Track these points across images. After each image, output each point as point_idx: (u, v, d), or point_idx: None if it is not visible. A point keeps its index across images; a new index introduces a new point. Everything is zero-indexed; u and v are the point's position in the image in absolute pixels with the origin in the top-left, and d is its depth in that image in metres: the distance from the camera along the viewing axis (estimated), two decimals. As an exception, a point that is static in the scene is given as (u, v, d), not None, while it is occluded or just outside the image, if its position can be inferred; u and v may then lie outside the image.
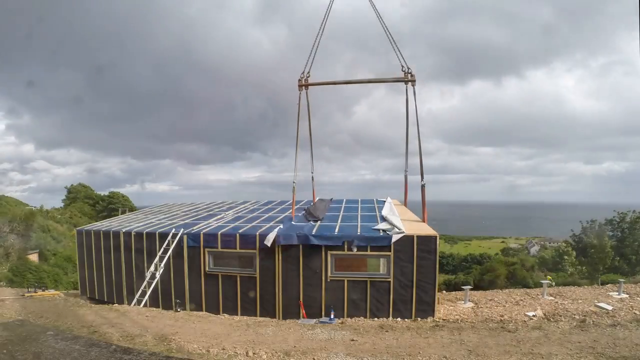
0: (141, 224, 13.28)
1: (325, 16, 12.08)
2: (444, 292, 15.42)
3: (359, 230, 10.02)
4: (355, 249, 9.47)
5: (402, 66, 11.55)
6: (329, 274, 9.60)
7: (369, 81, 13.38)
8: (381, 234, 9.59)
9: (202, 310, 10.42)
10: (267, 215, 13.28)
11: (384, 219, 11.36)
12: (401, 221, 10.45)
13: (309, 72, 11.99)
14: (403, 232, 9.46)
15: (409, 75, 11.54)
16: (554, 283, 15.93)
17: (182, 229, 11.17)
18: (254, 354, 6.05)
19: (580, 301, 11.40)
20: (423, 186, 11.26)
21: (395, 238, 9.39)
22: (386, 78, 12.55)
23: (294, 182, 11.83)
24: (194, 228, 11.38)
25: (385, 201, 14.79)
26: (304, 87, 12.06)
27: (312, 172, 13.66)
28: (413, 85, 11.54)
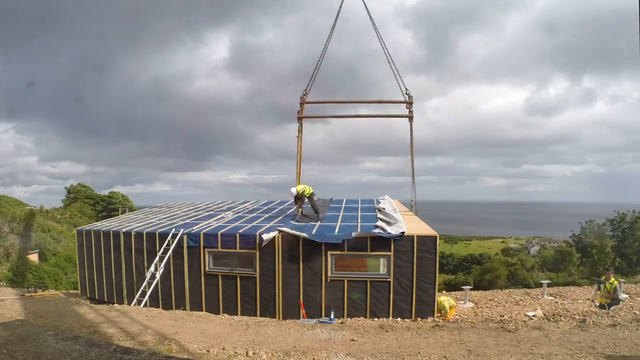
0: (141, 224, 13.27)
1: (325, 46, 13.04)
2: (444, 292, 15.43)
3: (359, 230, 10.00)
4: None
5: (405, 89, 12.62)
6: (329, 274, 9.59)
7: (371, 102, 14.53)
8: (382, 233, 9.57)
9: (202, 310, 10.43)
10: (267, 215, 13.28)
11: (381, 213, 11.48)
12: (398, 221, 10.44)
13: (304, 102, 12.79)
14: (403, 229, 9.43)
15: (408, 96, 12.60)
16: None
17: (182, 229, 11.16)
18: (254, 354, 6.05)
19: (580, 301, 11.41)
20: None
21: (397, 231, 9.41)
22: (387, 100, 13.73)
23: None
24: (194, 228, 11.37)
25: (383, 199, 14.85)
26: (302, 118, 12.84)
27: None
28: (411, 107, 12.57)
